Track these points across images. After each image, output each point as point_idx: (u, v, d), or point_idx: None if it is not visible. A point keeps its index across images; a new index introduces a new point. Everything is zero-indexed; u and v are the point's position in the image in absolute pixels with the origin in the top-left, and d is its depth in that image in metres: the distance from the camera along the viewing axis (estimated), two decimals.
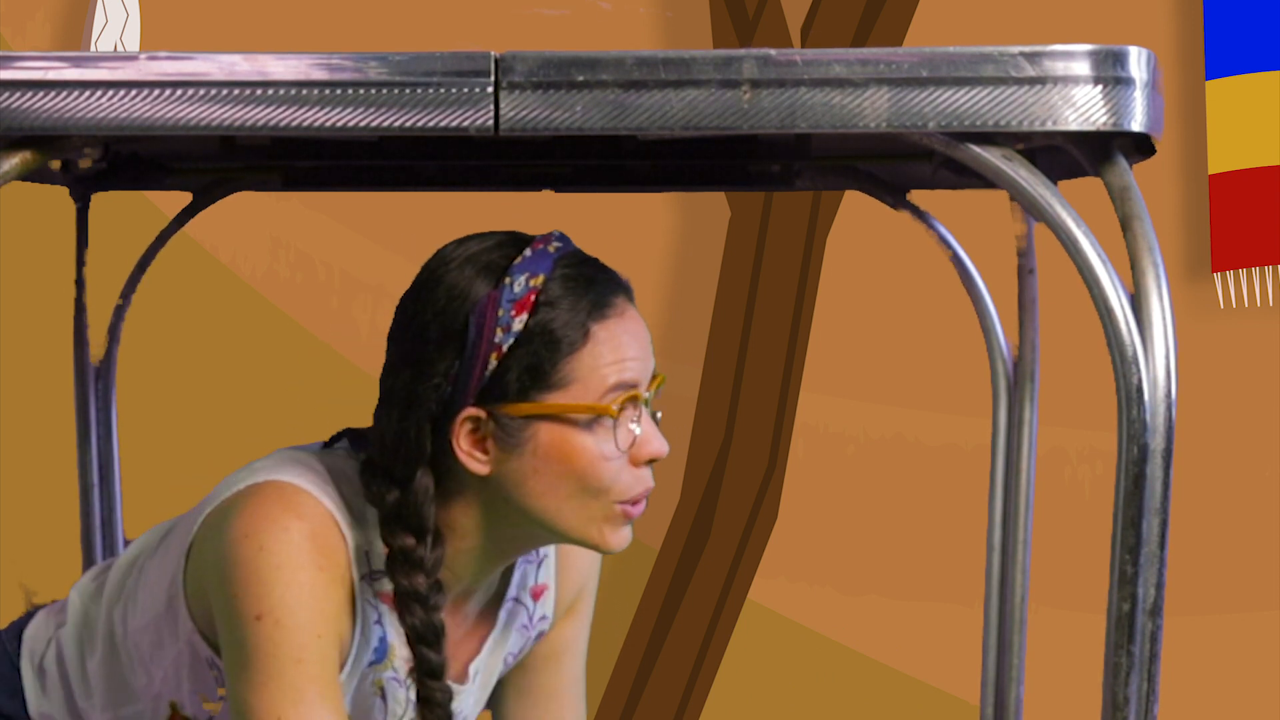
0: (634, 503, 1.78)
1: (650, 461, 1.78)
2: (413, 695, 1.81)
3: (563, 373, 1.74)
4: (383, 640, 1.80)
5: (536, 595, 1.95)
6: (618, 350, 1.75)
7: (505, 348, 1.74)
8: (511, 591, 1.92)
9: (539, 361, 1.74)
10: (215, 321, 3.38)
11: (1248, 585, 3.39)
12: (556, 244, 1.78)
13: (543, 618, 1.96)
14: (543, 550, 1.95)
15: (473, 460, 1.76)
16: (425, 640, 1.77)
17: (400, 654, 1.82)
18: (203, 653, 1.81)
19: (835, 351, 3.39)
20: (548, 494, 1.76)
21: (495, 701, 2.03)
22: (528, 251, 1.76)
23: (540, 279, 1.75)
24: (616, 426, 1.75)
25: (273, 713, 1.72)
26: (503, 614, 1.92)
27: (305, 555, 1.72)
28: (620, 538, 1.79)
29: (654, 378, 1.79)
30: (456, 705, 1.89)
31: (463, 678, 1.89)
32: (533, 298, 1.74)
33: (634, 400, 1.76)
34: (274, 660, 1.72)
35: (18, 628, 1.99)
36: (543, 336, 1.74)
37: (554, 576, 1.96)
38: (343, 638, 1.78)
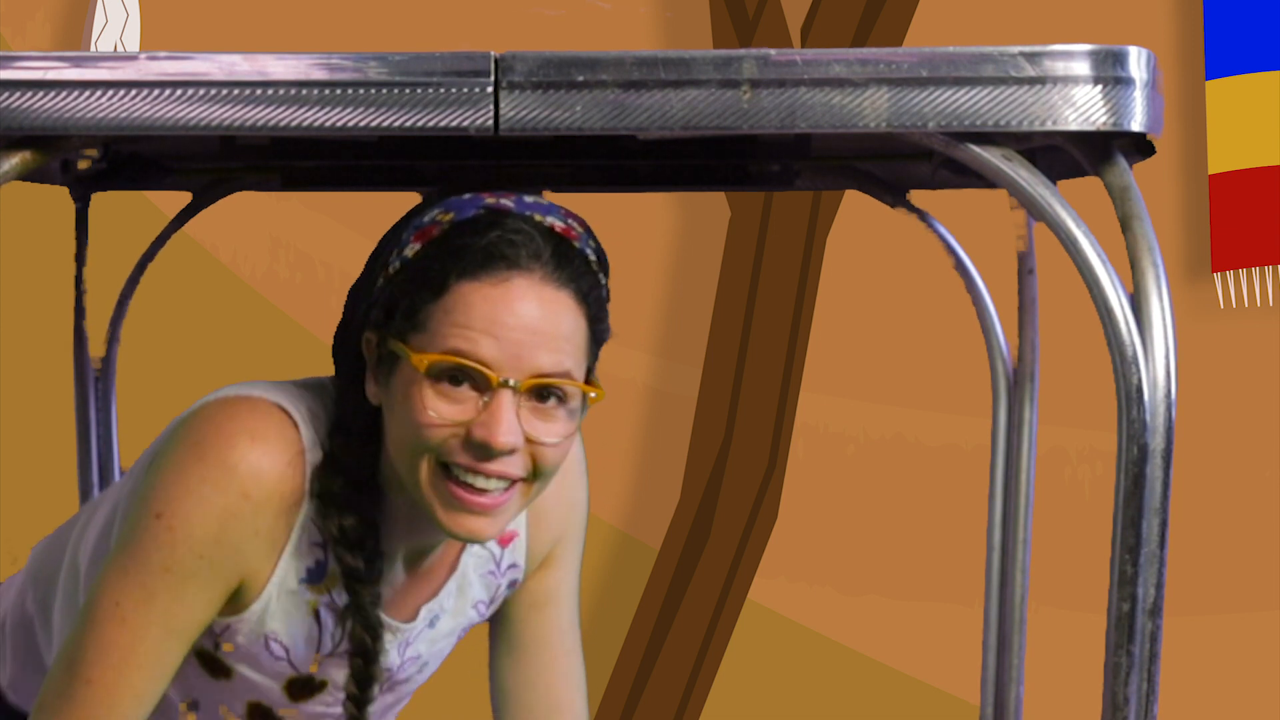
0: (461, 475, 1.67)
1: (484, 447, 1.66)
2: (347, 627, 1.78)
3: (423, 315, 1.68)
4: (320, 563, 1.76)
5: (504, 542, 1.90)
6: (468, 314, 1.66)
7: (392, 270, 1.71)
8: None
9: (407, 296, 1.69)
10: (215, 321, 3.38)
11: (1248, 585, 3.39)
12: (507, 201, 1.72)
13: (512, 565, 1.91)
14: None
15: (370, 384, 1.73)
16: (346, 544, 1.74)
17: (341, 587, 1.77)
18: None
19: (835, 351, 3.40)
20: (393, 438, 1.71)
21: (489, 659, 1.99)
22: (468, 194, 1.72)
23: (449, 216, 1.70)
24: (420, 389, 1.67)
25: (116, 599, 1.70)
26: (465, 558, 1.87)
27: (235, 480, 1.69)
28: (458, 522, 1.68)
29: (543, 376, 1.67)
30: (412, 650, 1.86)
31: (411, 617, 1.84)
32: (434, 231, 1.70)
33: (464, 371, 1.66)
34: (148, 558, 1.69)
35: None
36: (416, 272, 1.69)
37: (525, 524, 1.91)
38: (248, 568, 1.73)
